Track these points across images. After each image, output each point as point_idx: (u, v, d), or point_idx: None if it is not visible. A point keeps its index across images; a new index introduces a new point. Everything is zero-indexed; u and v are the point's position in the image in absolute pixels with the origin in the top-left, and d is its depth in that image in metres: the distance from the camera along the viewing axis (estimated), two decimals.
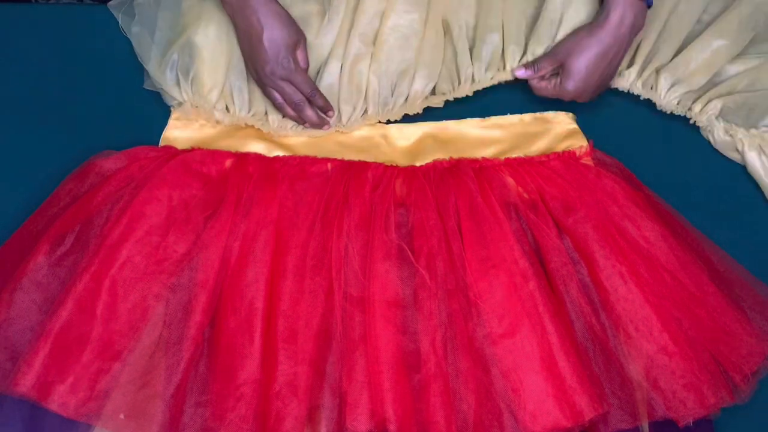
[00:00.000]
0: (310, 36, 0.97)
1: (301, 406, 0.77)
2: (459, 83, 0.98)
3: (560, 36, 0.98)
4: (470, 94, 0.99)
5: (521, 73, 0.98)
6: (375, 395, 0.77)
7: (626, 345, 0.81)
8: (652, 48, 0.98)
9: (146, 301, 0.81)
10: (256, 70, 0.93)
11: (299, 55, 0.94)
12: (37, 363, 0.77)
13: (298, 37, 0.93)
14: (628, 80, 0.98)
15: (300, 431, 0.76)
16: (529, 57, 0.98)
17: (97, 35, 1.02)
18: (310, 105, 0.95)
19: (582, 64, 0.94)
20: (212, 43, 0.96)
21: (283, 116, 0.97)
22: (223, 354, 0.79)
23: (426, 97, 0.98)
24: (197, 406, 0.78)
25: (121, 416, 0.77)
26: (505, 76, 0.99)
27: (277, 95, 0.94)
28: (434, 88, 0.99)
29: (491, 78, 0.99)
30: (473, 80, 0.98)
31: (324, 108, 0.96)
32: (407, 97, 0.98)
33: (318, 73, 0.98)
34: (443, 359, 0.79)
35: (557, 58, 0.96)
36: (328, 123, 0.97)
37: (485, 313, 0.81)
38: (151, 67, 0.96)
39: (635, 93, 0.99)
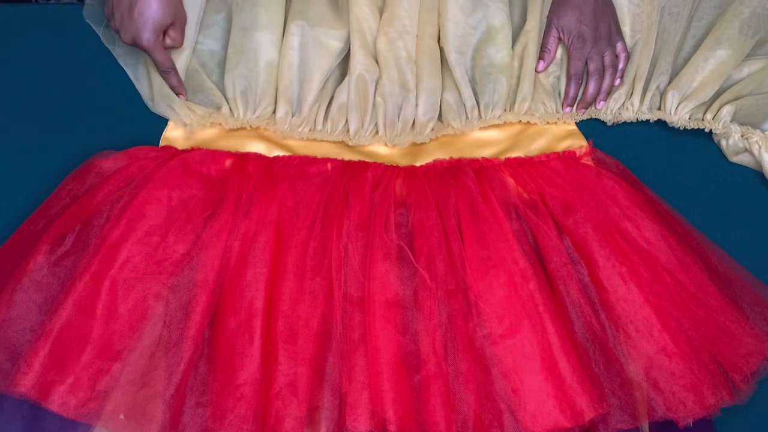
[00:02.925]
0: (321, 31, 0.97)
1: (300, 406, 0.77)
2: (467, 117, 0.97)
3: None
4: (479, 128, 0.98)
5: (542, 66, 1.00)
6: (375, 396, 0.77)
7: (626, 345, 0.81)
8: (647, 72, 0.98)
9: (146, 301, 0.81)
10: (117, 31, 0.93)
11: (171, 33, 0.94)
12: (37, 363, 0.77)
13: (172, 20, 0.93)
14: (633, 110, 0.98)
15: None
16: (540, 105, 0.98)
17: (97, 35, 1.02)
18: (175, 72, 0.96)
19: (571, 13, 0.98)
20: (199, 65, 0.98)
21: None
22: (223, 354, 0.79)
23: (433, 129, 0.97)
24: (197, 406, 0.78)
25: (121, 416, 0.77)
26: (513, 117, 0.97)
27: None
28: (442, 117, 0.98)
29: (498, 117, 0.98)
30: (480, 116, 0.97)
31: (176, 89, 0.96)
32: (413, 124, 0.97)
33: (329, 76, 0.98)
34: (443, 360, 0.79)
35: (552, 29, 0.99)
36: (184, 93, 0.97)
37: (485, 313, 0.81)
38: (148, 100, 0.97)
39: (644, 119, 0.98)
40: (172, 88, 0.96)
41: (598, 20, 0.98)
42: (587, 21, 0.98)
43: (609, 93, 0.99)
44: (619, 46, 1.00)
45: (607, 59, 0.99)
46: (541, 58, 1.00)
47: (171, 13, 0.92)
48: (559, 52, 1.01)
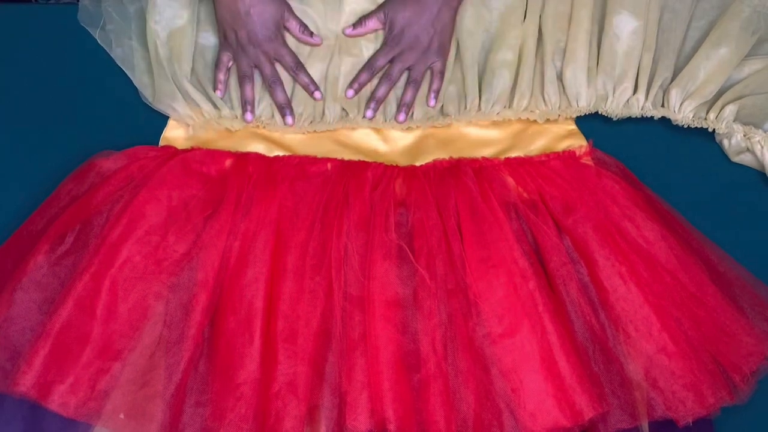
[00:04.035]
0: (317, 19, 0.98)
1: (300, 405, 0.77)
2: (465, 108, 0.97)
3: (571, 96, 0.97)
4: (476, 122, 0.97)
5: (349, 31, 0.98)
6: (375, 395, 0.77)
7: (626, 345, 0.81)
8: (651, 68, 0.98)
9: (146, 301, 0.82)
10: (238, 39, 0.94)
11: (289, 24, 0.95)
12: (37, 363, 0.77)
13: (283, 8, 0.95)
14: (638, 106, 0.97)
15: (300, 431, 0.76)
16: (540, 100, 0.97)
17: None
18: (282, 87, 0.96)
19: (405, 11, 0.95)
20: (198, 71, 0.97)
21: (242, 95, 0.96)
22: (222, 354, 0.80)
23: (430, 117, 0.97)
24: (197, 405, 0.78)
25: (121, 416, 0.77)
26: (512, 114, 0.97)
27: (246, 67, 0.95)
28: (442, 106, 0.98)
29: (497, 113, 0.97)
30: (479, 109, 0.97)
31: (308, 87, 0.96)
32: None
33: (327, 62, 0.98)
34: (443, 359, 0.79)
35: (379, 13, 0.97)
36: (291, 115, 0.96)
37: (485, 312, 0.81)
38: (148, 98, 0.97)
39: (649, 116, 0.97)
40: (305, 86, 0.96)
41: (425, 30, 0.96)
42: (417, 25, 0.95)
43: (409, 107, 0.97)
44: (436, 65, 0.97)
45: (416, 71, 0.96)
46: (353, 25, 0.98)
47: (279, 2, 0.94)
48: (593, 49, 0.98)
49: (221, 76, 0.96)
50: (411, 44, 0.96)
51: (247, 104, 0.96)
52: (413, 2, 0.95)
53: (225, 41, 0.96)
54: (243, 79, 0.96)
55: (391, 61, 0.97)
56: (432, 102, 0.97)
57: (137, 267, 0.82)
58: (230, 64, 0.97)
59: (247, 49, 0.95)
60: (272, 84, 0.96)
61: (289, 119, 0.96)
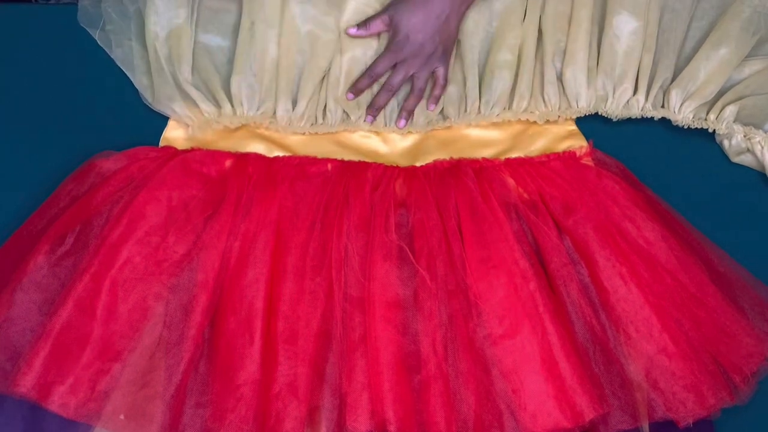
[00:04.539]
0: (319, 17, 0.97)
1: (301, 406, 0.77)
2: (465, 110, 0.97)
3: (571, 94, 0.97)
4: (475, 124, 0.98)
5: (353, 31, 0.96)
6: (375, 396, 0.77)
7: (626, 346, 0.82)
8: (651, 69, 0.98)
9: (146, 302, 0.82)
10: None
11: None
12: (37, 363, 0.77)
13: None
14: (638, 107, 0.97)
15: None
16: (540, 101, 0.97)
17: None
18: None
19: (412, 15, 0.93)
20: (210, 63, 0.96)
21: None
22: (223, 354, 0.80)
23: (430, 121, 0.97)
24: (197, 406, 0.78)
25: (121, 417, 0.77)
26: (512, 116, 0.97)
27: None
28: (442, 109, 0.98)
29: (497, 115, 0.97)
30: (479, 111, 0.97)
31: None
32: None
33: (330, 62, 0.97)
34: (443, 360, 0.79)
35: (384, 15, 0.95)
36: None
37: (485, 313, 0.81)
38: (147, 99, 0.96)
39: (649, 116, 0.97)
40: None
41: (431, 37, 0.94)
42: (423, 32, 0.93)
43: (410, 113, 0.97)
44: (439, 71, 0.95)
45: (420, 79, 0.95)
46: (357, 26, 0.96)
47: None
48: (583, 51, 0.98)
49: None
50: (415, 52, 0.94)
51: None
52: (421, 7, 0.92)
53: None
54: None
55: (394, 67, 0.95)
56: (432, 107, 0.96)
57: (137, 268, 0.82)
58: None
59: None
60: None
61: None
